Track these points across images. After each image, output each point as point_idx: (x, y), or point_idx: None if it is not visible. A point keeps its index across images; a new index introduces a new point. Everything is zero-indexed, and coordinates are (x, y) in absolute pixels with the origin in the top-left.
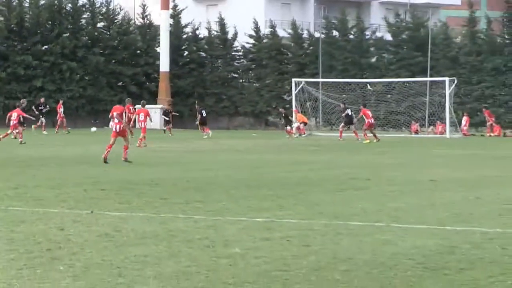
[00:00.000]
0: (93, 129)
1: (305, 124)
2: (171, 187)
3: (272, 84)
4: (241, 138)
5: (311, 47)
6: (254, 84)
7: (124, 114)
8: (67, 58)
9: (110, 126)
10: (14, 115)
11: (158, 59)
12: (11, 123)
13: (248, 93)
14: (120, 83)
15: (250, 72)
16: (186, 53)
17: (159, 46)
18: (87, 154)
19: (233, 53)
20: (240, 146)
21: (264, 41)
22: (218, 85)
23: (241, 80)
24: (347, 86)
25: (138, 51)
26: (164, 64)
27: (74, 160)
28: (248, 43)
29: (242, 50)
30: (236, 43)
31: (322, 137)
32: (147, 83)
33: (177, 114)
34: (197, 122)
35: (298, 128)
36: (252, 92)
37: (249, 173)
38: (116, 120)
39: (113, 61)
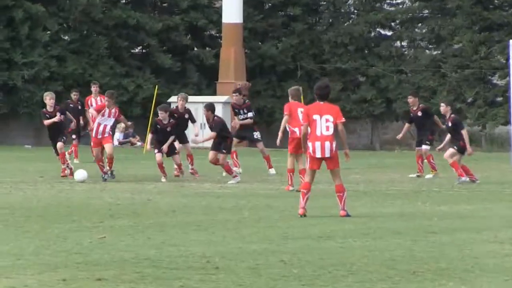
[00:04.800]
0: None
1: None
2: (249, 273)
3: (467, 52)
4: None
5: None
6: (428, 52)
7: None
8: None
9: None
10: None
11: None
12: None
13: (414, 70)
14: (137, 49)
15: (420, 25)
16: None
17: None
18: (69, 198)
19: None
20: (399, 185)
21: None
22: (348, 53)
23: (398, 43)
24: None
25: None
26: (232, 9)
27: (44, 210)
28: None
29: None
30: None
31: None
32: (195, 48)
33: None
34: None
35: None
36: (423, 70)
37: (416, 245)
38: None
39: (122, 1)
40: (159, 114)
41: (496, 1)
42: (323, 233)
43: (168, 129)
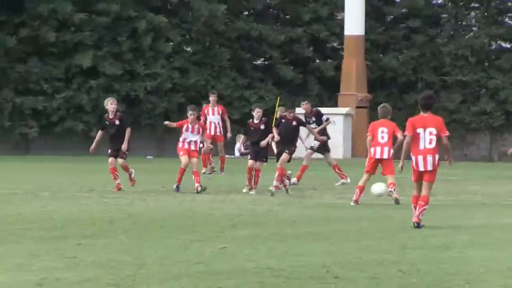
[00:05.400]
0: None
1: None
2: (369, 282)
3: None
4: None
5: None
6: None
7: None
8: None
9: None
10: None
11: (341, 9)
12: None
13: None
14: (259, 60)
15: None
16: None
17: None
18: (190, 209)
19: None
20: None
21: None
22: (468, 65)
23: None
24: None
25: None
26: (354, 21)
27: (166, 220)
28: None
29: None
30: None
31: None
32: (317, 60)
33: None
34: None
35: None
36: None
37: None
38: None
39: (245, 13)
40: (255, 113)
41: None
42: (442, 243)
43: (262, 127)
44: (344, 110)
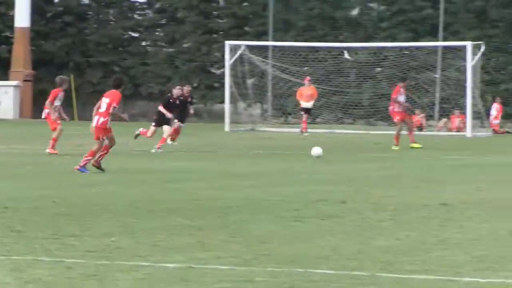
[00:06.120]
0: None
1: None
2: (30, 212)
3: (193, 50)
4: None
5: None
6: (165, 50)
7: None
8: None
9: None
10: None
11: (12, 7)
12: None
13: (155, 63)
14: None
15: (159, 30)
16: None
17: None
18: None
19: (132, 0)
20: (143, 147)
21: None
22: (107, 50)
23: (144, 43)
24: (313, 54)
25: None
26: (22, 16)
27: None
28: None
29: None
30: None
31: (272, 134)
32: None
33: None
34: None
35: None
36: (161, 63)
37: (155, 191)
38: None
39: None
40: None
41: (214, 12)
42: (88, 182)
43: None
44: (15, 82)
